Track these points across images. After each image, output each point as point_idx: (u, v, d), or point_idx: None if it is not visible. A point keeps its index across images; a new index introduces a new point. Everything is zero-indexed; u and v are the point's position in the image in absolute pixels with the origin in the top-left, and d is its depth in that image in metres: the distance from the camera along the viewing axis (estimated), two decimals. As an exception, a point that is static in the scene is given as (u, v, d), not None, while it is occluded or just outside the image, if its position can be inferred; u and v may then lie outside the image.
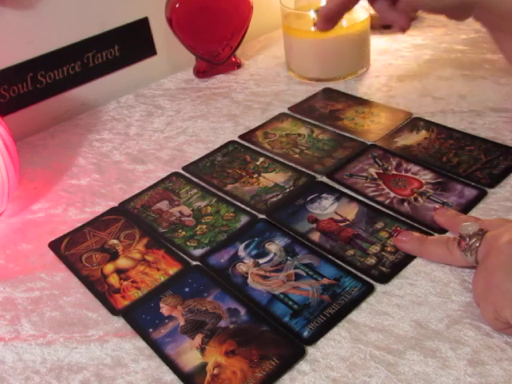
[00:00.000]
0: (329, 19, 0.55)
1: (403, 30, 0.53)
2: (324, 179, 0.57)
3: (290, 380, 0.39)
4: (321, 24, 0.56)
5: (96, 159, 0.67)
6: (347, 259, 0.47)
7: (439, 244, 0.45)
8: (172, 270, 0.49)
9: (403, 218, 0.51)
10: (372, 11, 0.69)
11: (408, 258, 0.46)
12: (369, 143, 0.62)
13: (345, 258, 0.47)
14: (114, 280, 0.49)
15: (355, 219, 0.51)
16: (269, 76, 0.80)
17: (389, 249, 0.48)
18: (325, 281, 0.45)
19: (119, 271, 0.50)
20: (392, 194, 0.54)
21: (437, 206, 0.51)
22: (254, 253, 0.49)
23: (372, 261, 0.47)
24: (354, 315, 0.43)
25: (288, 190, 0.57)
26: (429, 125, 0.63)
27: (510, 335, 0.39)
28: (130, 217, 0.56)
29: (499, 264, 0.38)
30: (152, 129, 0.72)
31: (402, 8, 0.52)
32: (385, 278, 0.45)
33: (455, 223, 0.46)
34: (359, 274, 0.46)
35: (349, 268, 0.46)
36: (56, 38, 0.73)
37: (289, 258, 0.48)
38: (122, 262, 0.51)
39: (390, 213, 0.51)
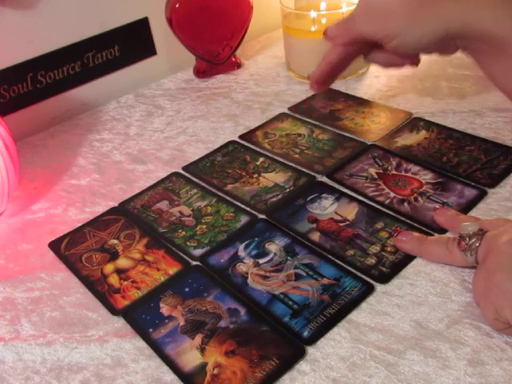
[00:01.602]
0: (322, 82, 0.56)
1: (416, 65, 0.54)
2: (324, 179, 0.57)
3: (290, 380, 0.39)
4: (315, 87, 0.57)
5: (96, 159, 0.67)
6: (347, 259, 0.47)
7: (439, 244, 0.45)
8: (172, 270, 0.49)
9: (403, 218, 0.51)
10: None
11: (408, 258, 0.46)
12: (369, 143, 0.62)
13: (345, 258, 0.47)
14: (113, 280, 0.49)
15: (355, 219, 0.51)
16: (269, 76, 0.80)
17: (389, 249, 0.48)
18: (325, 281, 0.45)
19: (119, 271, 0.50)
20: (392, 194, 0.54)
21: (437, 206, 0.51)
22: (254, 253, 0.49)
23: (372, 261, 0.47)
24: (354, 315, 0.42)
25: (288, 190, 0.56)
26: (429, 125, 0.63)
27: (510, 335, 0.39)
28: (130, 217, 0.56)
29: (499, 264, 0.38)
30: (152, 129, 0.72)
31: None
32: (385, 278, 0.45)
33: (455, 223, 0.46)
34: (359, 274, 0.46)
35: (349, 268, 0.46)
36: (56, 38, 0.73)
37: (289, 258, 0.48)
38: (122, 262, 0.51)
39: (390, 213, 0.51)
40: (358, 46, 0.54)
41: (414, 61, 0.54)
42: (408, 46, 0.50)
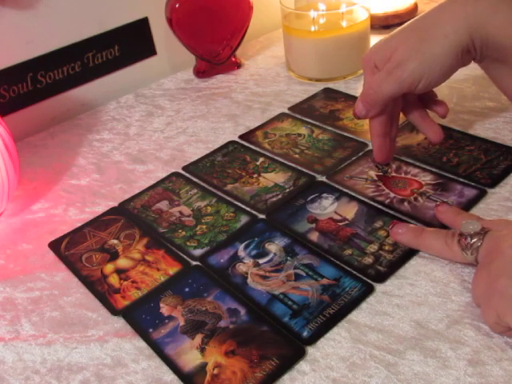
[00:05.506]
0: (386, 154, 0.54)
1: (444, 116, 0.54)
2: (324, 180, 0.57)
3: (290, 380, 0.39)
4: (384, 161, 0.55)
5: (96, 159, 0.67)
6: (345, 259, 0.47)
7: (437, 237, 0.45)
8: (172, 270, 0.49)
9: (403, 217, 0.50)
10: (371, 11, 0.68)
11: (405, 257, 0.46)
12: (369, 143, 0.62)
13: (342, 258, 0.47)
14: (113, 280, 0.49)
15: (354, 218, 0.51)
16: (269, 76, 0.80)
17: (387, 247, 0.48)
18: (324, 281, 0.45)
19: (119, 271, 0.50)
20: (392, 195, 0.54)
21: (438, 202, 0.51)
22: (253, 253, 0.49)
23: (369, 260, 0.47)
24: (354, 315, 0.42)
25: (288, 190, 0.56)
26: (429, 125, 0.63)
27: (509, 336, 0.39)
28: (130, 217, 0.56)
29: (503, 268, 0.38)
30: (152, 129, 0.72)
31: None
32: (381, 277, 0.45)
33: (457, 221, 0.46)
34: (358, 274, 0.46)
35: (347, 268, 0.46)
36: (56, 38, 0.73)
37: (288, 258, 0.48)
38: (122, 262, 0.51)
39: (390, 212, 0.51)
40: (394, 103, 0.52)
41: (444, 109, 0.54)
42: (435, 77, 0.48)
